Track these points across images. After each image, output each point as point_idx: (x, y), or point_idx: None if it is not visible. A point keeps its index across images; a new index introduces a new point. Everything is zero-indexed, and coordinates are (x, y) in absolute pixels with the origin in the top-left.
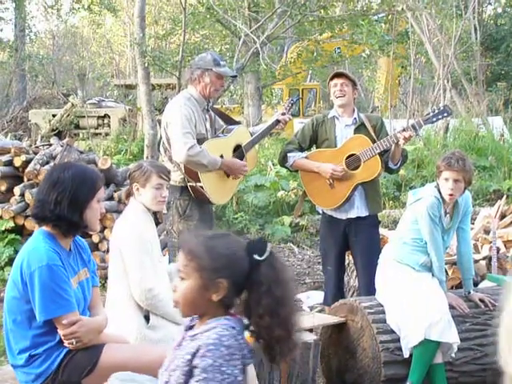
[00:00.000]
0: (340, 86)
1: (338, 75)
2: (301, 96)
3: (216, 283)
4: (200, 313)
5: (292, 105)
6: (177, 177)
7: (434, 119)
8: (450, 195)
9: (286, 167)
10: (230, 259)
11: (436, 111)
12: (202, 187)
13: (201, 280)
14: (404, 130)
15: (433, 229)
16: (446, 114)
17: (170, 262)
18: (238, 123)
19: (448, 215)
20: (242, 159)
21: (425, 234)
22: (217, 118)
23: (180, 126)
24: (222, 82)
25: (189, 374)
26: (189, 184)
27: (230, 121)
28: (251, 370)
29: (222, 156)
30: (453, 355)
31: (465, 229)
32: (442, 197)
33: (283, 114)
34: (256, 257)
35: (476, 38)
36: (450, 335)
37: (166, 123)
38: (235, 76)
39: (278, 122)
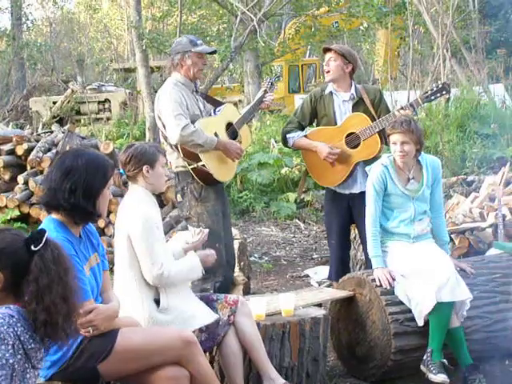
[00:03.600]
0: (327, 61)
1: (326, 50)
2: (280, 75)
3: None
4: None
5: (272, 84)
6: (184, 161)
7: (433, 97)
8: (401, 157)
9: (289, 147)
10: (3, 252)
11: (434, 89)
12: (204, 166)
13: None
14: (402, 108)
15: (371, 196)
16: (444, 92)
17: None
18: (223, 104)
19: (414, 180)
20: (235, 136)
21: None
22: (205, 102)
23: (171, 110)
24: (204, 61)
25: None
26: (190, 167)
27: (216, 102)
28: None
29: (216, 134)
30: (464, 313)
31: (436, 200)
32: (396, 163)
33: (265, 92)
34: (32, 247)
35: (474, 6)
36: (461, 292)
37: (159, 111)
38: (214, 52)
39: (262, 101)
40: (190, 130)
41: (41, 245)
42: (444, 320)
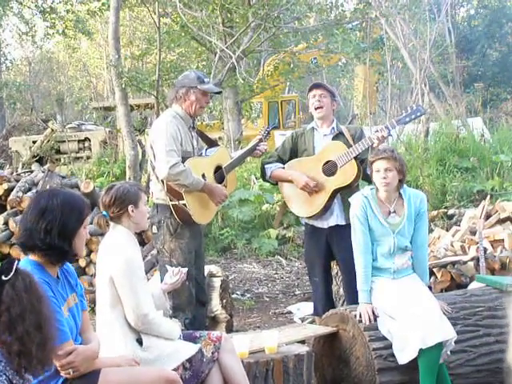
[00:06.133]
0: (318, 97)
1: (316, 87)
2: (276, 125)
3: None
4: None
5: (268, 132)
6: (166, 195)
7: (407, 119)
8: (384, 184)
9: (268, 181)
10: None
11: (409, 111)
12: (185, 205)
13: None
14: (377, 131)
15: (357, 228)
16: (418, 114)
17: (161, 280)
18: (218, 145)
19: (395, 214)
20: (222, 180)
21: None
22: (199, 139)
23: (164, 144)
24: (207, 99)
25: None
26: (171, 203)
27: (210, 142)
28: None
29: (203, 175)
30: (448, 352)
31: (420, 236)
32: (378, 195)
33: (260, 140)
34: (3, 277)
35: (451, 41)
36: (448, 331)
37: (152, 141)
38: (220, 92)
39: (255, 148)
40: (178, 169)
41: (11, 274)
42: (433, 362)
